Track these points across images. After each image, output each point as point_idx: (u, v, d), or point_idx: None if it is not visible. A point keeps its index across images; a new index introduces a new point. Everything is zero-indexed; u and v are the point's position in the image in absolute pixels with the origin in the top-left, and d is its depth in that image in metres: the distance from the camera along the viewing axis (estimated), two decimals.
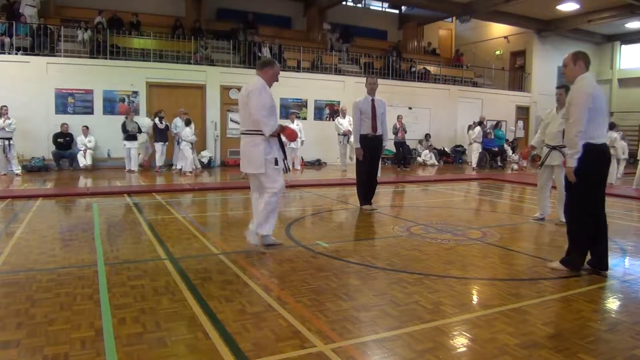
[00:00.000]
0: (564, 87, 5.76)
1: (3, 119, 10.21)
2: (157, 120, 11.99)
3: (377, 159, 7.00)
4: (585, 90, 3.82)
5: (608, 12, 16.60)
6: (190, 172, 11.46)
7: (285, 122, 10.65)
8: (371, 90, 6.73)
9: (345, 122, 12.73)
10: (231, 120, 14.30)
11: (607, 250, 3.91)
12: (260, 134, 4.28)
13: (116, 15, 14.19)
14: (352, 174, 8.06)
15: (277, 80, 4.50)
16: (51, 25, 12.95)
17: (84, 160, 11.89)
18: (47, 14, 13.78)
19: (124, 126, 11.75)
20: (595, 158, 3.81)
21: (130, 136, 11.75)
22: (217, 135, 13.86)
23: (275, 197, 4.37)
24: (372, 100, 6.69)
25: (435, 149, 16.84)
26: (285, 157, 4.55)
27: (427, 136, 16.90)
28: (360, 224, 6.13)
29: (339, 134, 13.22)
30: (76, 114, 12.29)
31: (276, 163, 4.34)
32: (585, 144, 3.79)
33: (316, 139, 14.46)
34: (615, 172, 11.44)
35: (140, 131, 12.07)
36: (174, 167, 12.45)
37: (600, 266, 3.90)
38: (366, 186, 6.89)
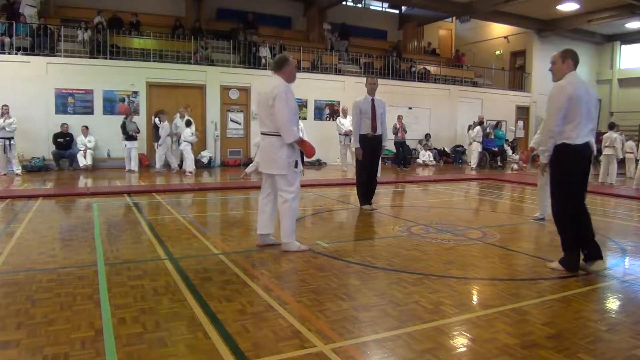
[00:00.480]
0: None
1: (4, 118, 10.20)
2: (156, 120, 11.99)
3: (377, 159, 7.00)
4: (563, 90, 3.79)
5: (608, 12, 16.60)
6: (191, 172, 11.46)
7: None
8: (371, 90, 6.72)
9: (347, 122, 12.68)
10: (231, 120, 14.31)
11: (594, 242, 3.90)
12: None
13: (116, 15, 14.20)
14: (352, 174, 8.06)
15: (296, 75, 4.48)
16: (51, 25, 12.96)
17: (84, 160, 11.89)
18: (47, 14, 13.77)
19: (123, 126, 11.77)
20: (569, 159, 3.81)
21: (130, 136, 11.76)
22: (217, 135, 13.87)
23: (295, 201, 4.39)
24: (372, 100, 6.69)
25: (435, 149, 16.86)
26: (303, 160, 4.53)
27: (427, 136, 16.90)
28: (360, 224, 6.13)
29: (340, 134, 13.18)
30: (76, 114, 12.29)
31: (296, 165, 4.34)
32: (560, 145, 3.80)
33: (316, 139, 14.34)
34: (615, 172, 11.44)
35: (139, 131, 12.08)
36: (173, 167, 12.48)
37: (593, 257, 3.91)
38: (366, 186, 6.90)
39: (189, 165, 11.57)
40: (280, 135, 4.26)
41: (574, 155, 3.80)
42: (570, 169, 3.82)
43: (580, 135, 3.78)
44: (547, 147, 3.91)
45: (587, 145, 3.84)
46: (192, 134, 11.76)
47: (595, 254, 3.91)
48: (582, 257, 3.95)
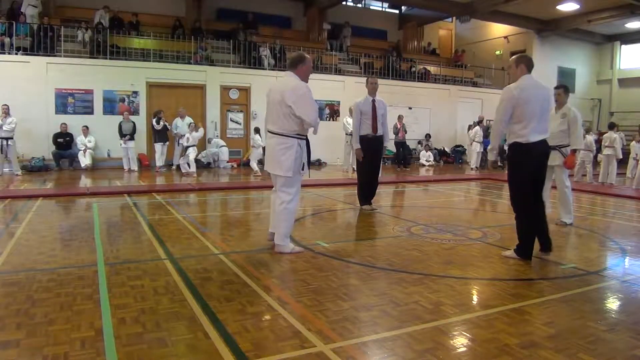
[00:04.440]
0: (562, 87, 5.79)
1: (4, 117, 10.17)
2: (154, 121, 11.99)
3: (378, 160, 6.99)
4: (509, 92, 4.13)
5: (608, 12, 16.61)
6: (190, 173, 11.48)
7: None
8: (373, 90, 6.71)
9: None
10: (231, 120, 14.31)
11: (547, 235, 4.28)
12: (294, 137, 4.22)
13: (117, 15, 14.20)
14: (353, 174, 8.04)
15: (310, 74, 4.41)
16: (51, 25, 12.95)
17: (85, 160, 11.88)
18: (48, 14, 13.77)
19: (120, 126, 11.78)
20: (520, 157, 4.12)
21: (125, 136, 11.77)
22: (217, 136, 13.86)
23: (293, 203, 4.35)
24: (373, 100, 6.68)
25: (435, 148, 16.85)
26: (310, 162, 4.48)
27: (428, 136, 16.90)
28: (360, 224, 6.13)
29: (346, 134, 12.95)
30: (76, 114, 12.30)
31: (302, 168, 4.31)
32: (512, 143, 4.14)
33: (317, 138, 14.35)
34: (615, 172, 11.44)
35: (134, 131, 12.05)
36: (174, 167, 12.48)
37: (544, 249, 4.31)
38: (367, 187, 6.89)
39: (192, 166, 11.56)
40: (288, 136, 4.21)
41: (525, 154, 4.10)
42: (521, 165, 4.13)
43: (531, 135, 4.06)
44: (493, 146, 4.39)
45: (540, 143, 4.11)
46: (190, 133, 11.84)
47: (546, 247, 4.29)
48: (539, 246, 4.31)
